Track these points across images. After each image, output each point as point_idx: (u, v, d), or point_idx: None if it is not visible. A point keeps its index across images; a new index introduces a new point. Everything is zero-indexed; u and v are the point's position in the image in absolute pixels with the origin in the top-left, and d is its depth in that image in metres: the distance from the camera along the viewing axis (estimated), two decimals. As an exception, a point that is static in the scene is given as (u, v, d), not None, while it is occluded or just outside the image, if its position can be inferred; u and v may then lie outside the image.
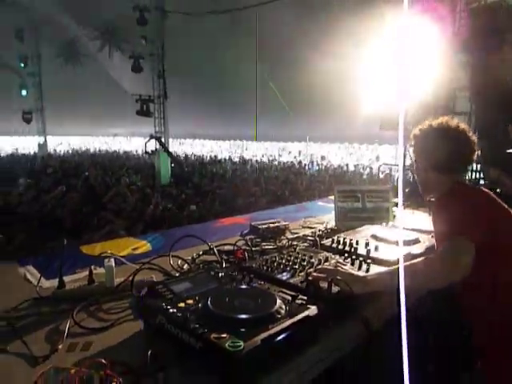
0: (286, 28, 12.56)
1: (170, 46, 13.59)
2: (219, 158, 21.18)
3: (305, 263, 1.51)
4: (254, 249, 1.89)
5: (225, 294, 1.20)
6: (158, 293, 1.24)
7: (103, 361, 0.97)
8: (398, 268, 1.21)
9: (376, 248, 1.71)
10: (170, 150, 13.74)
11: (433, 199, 1.71)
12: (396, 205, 2.42)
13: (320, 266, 1.45)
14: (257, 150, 25.25)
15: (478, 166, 5.80)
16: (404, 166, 5.56)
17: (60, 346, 1.11)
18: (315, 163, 18.59)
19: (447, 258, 1.30)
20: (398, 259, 1.52)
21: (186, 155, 21.82)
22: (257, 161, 20.23)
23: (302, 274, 1.41)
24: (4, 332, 1.20)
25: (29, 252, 4.81)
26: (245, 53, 15.08)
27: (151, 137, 12.58)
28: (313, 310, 1.12)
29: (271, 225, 2.29)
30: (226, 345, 0.92)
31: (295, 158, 21.52)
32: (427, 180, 1.68)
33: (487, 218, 1.46)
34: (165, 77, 13.44)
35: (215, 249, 1.85)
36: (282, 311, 1.10)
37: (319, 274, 1.34)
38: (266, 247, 1.95)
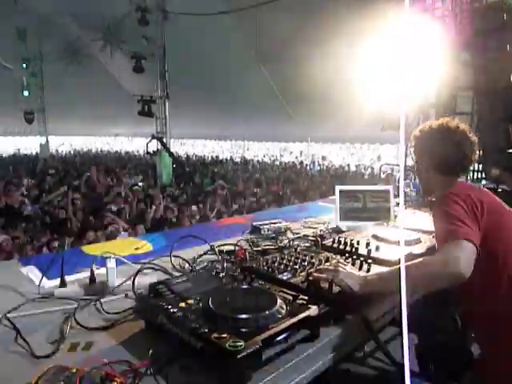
0: (287, 27, 12.54)
1: (172, 46, 13.58)
2: (221, 158, 21.19)
3: (305, 263, 1.51)
4: (255, 249, 1.90)
5: (226, 293, 1.20)
6: (159, 293, 1.24)
7: (104, 360, 0.98)
8: (399, 268, 1.21)
9: (377, 248, 1.70)
10: (172, 150, 13.73)
11: (434, 199, 1.71)
12: (397, 204, 2.42)
13: (321, 266, 1.45)
14: (258, 151, 25.24)
15: (480, 165, 5.79)
16: (405, 166, 5.55)
17: (61, 346, 1.12)
18: (316, 163, 18.58)
19: (448, 259, 1.30)
20: (399, 259, 1.52)
21: (188, 155, 21.83)
22: (258, 161, 20.22)
23: (303, 274, 1.41)
24: (6, 331, 1.20)
25: (31, 252, 4.84)
26: (245, 53, 15.07)
27: (153, 137, 12.57)
28: (313, 310, 1.13)
29: (272, 225, 2.29)
30: (227, 345, 0.92)
31: (296, 158, 21.50)
32: (428, 180, 1.69)
33: (488, 219, 1.46)
34: (166, 77, 13.45)
35: (216, 249, 1.86)
36: (283, 311, 1.10)
37: (320, 274, 1.34)
38: (267, 247, 1.95)
